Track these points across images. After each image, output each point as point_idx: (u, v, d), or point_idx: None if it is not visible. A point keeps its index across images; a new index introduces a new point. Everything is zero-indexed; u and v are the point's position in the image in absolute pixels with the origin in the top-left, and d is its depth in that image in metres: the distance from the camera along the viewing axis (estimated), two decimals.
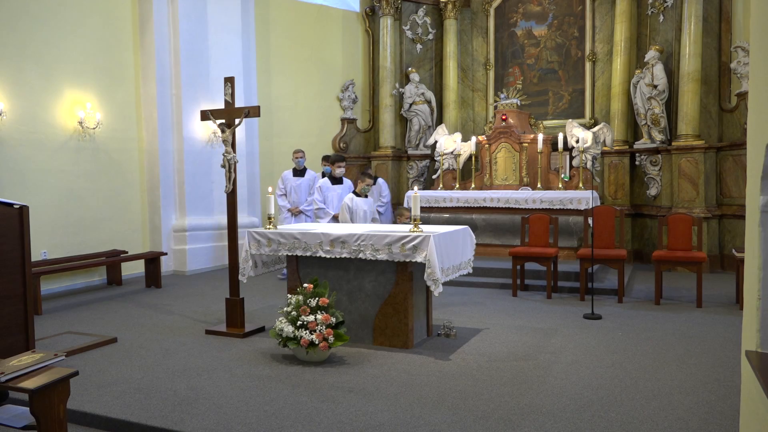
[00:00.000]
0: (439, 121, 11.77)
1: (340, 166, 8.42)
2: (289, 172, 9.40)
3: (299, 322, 4.74)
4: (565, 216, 8.61)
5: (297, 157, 9.32)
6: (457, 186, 9.97)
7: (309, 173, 9.37)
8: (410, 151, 11.93)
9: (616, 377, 4.40)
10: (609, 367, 4.65)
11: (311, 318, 4.72)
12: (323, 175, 9.00)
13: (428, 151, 11.66)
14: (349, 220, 6.99)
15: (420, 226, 5.16)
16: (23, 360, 3.30)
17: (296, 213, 9.18)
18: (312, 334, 4.66)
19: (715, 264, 9.02)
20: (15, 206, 4.27)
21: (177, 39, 9.58)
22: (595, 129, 9.51)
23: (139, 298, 7.69)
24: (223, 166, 5.93)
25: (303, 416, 3.74)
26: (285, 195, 9.29)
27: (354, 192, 7.26)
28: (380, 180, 9.86)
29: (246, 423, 3.66)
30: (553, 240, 7.75)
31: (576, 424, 3.58)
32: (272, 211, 5.90)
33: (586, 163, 9.18)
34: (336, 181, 8.50)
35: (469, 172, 10.28)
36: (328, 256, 5.35)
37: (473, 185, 9.85)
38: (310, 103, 11.83)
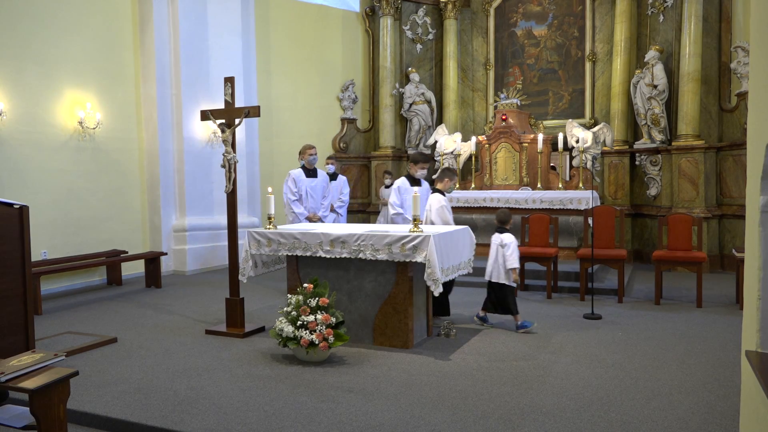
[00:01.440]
0: (439, 121, 11.78)
1: (423, 167, 6.92)
2: (299, 172, 7.90)
3: (299, 322, 4.74)
4: (565, 216, 8.61)
5: (311, 154, 7.87)
6: (457, 186, 9.97)
7: (321, 173, 8.11)
8: (410, 151, 11.93)
9: (616, 377, 4.40)
10: (609, 367, 4.65)
11: (311, 318, 4.72)
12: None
13: (428, 151, 11.66)
14: (451, 222, 6.22)
15: (420, 225, 5.16)
16: (23, 360, 3.30)
17: (316, 220, 7.77)
18: (312, 334, 4.66)
19: (715, 264, 9.02)
20: (15, 206, 4.27)
21: (177, 39, 9.57)
22: (595, 129, 9.51)
23: (139, 298, 7.69)
24: (223, 166, 5.93)
25: (303, 416, 3.74)
26: (299, 200, 7.79)
27: (437, 191, 6.41)
28: (342, 177, 8.90)
29: (246, 423, 3.65)
30: (553, 240, 7.75)
31: (576, 424, 3.58)
32: (272, 211, 5.89)
33: (586, 163, 9.18)
34: (415, 182, 7.11)
35: (469, 172, 10.28)
36: (328, 256, 5.35)
37: (473, 185, 9.85)
38: (310, 103, 11.83)
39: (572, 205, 8.61)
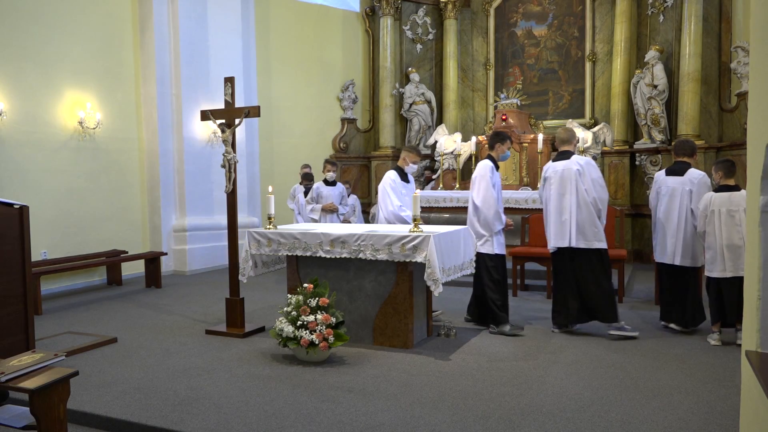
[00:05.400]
0: (439, 121, 11.78)
1: (693, 157, 6.30)
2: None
3: (299, 322, 4.74)
4: None
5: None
6: (458, 186, 9.96)
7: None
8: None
9: (616, 377, 4.40)
10: (609, 367, 4.64)
11: (311, 318, 4.72)
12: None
13: (428, 151, 11.66)
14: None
15: (420, 226, 5.15)
16: (23, 360, 3.30)
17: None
18: (312, 334, 4.66)
19: None
20: (15, 206, 4.27)
21: (177, 39, 9.57)
22: (595, 129, 9.52)
23: (139, 298, 7.69)
24: (223, 166, 5.93)
25: (303, 416, 3.74)
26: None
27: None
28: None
29: (246, 423, 3.65)
30: None
31: (576, 424, 3.58)
32: (272, 211, 5.88)
33: None
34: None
35: (470, 172, 10.22)
36: (328, 256, 5.35)
37: None
38: (310, 103, 11.83)
39: None
